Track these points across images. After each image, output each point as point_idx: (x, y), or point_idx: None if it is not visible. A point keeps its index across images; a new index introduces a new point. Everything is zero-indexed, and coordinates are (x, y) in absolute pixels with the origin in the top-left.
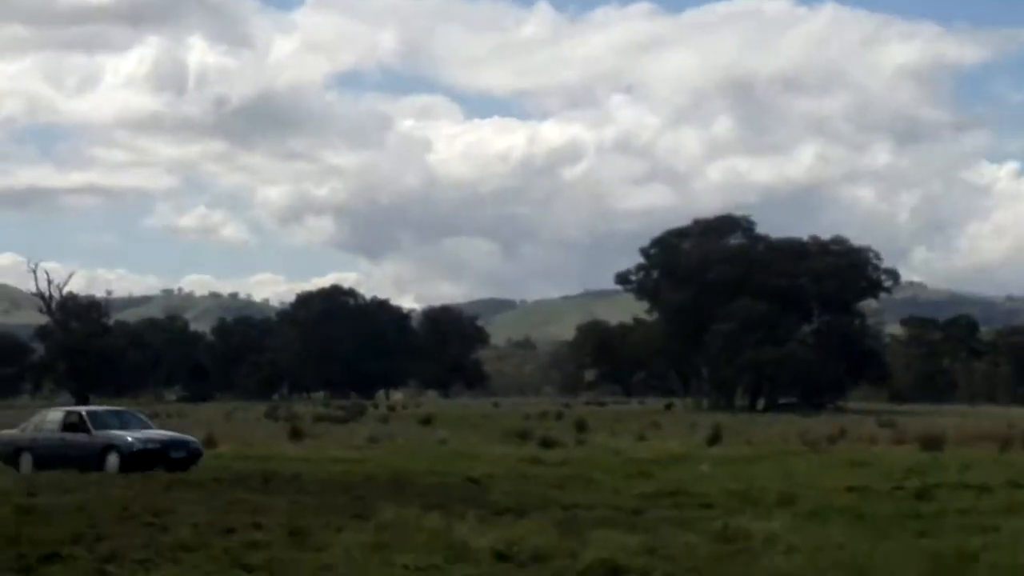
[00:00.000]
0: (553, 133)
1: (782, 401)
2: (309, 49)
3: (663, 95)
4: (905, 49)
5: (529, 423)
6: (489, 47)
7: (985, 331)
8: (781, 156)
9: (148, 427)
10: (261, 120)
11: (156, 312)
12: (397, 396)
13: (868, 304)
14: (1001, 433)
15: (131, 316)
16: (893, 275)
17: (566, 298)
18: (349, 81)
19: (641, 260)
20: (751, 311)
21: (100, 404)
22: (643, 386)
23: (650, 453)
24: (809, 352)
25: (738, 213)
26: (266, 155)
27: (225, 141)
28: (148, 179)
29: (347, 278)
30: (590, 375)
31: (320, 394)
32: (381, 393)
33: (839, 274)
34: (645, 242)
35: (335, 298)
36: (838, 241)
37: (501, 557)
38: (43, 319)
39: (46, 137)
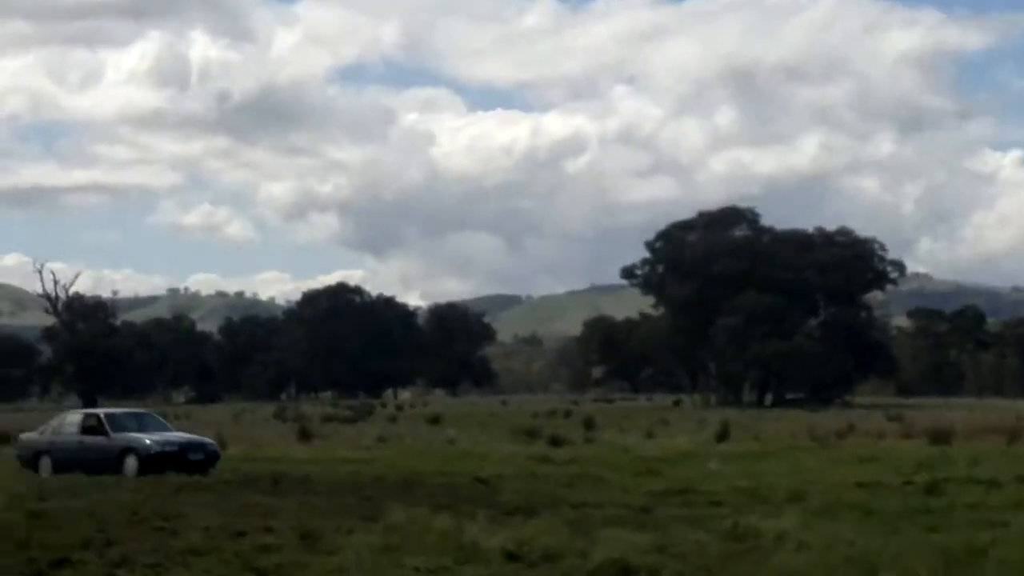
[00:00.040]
0: (556, 125)
1: (790, 396)
2: (311, 42)
3: (666, 85)
4: (907, 36)
5: (537, 421)
6: (491, 38)
7: (991, 322)
8: (784, 146)
9: (167, 429)
10: (264, 115)
11: (162, 312)
12: (405, 395)
13: (874, 296)
14: (1009, 426)
15: (137, 316)
16: (899, 266)
17: (572, 293)
18: (351, 75)
19: (646, 254)
20: (757, 304)
21: (108, 406)
22: (651, 382)
23: (659, 451)
24: (816, 346)
25: (742, 205)
26: (269, 150)
27: (228, 137)
28: (151, 176)
29: (353, 275)
30: (598, 372)
31: (328, 394)
32: (389, 392)
33: (844, 266)
34: (650, 235)
35: (341, 296)
36: (843, 232)
37: (511, 557)
38: (49, 320)
39: (49, 134)
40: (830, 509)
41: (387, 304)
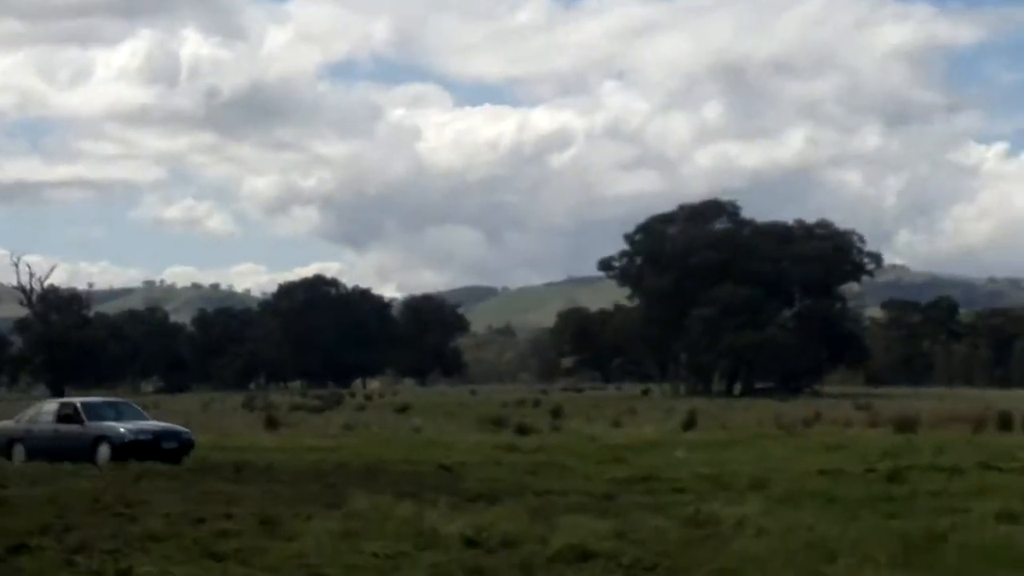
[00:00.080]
0: (543, 120)
1: (759, 386)
2: (302, 39)
3: (655, 80)
4: (899, 30)
5: (505, 410)
6: (482, 34)
7: (965, 313)
8: (770, 140)
9: (143, 418)
10: (251, 111)
11: (137, 304)
12: (374, 385)
13: (850, 287)
14: (976, 415)
15: (112, 308)
16: (876, 258)
17: (549, 285)
18: (341, 71)
19: (625, 246)
20: (733, 296)
21: (74, 395)
22: (621, 372)
23: (625, 439)
24: (789, 336)
25: (725, 198)
26: (255, 146)
27: (214, 132)
28: (136, 171)
29: (330, 268)
30: (568, 362)
31: (297, 383)
32: (358, 382)
33: (823, 258)
34: (631, 228)
35: (317, 288)
36: (823, 225)
37: (470, 543)
38: (23, 312)
39: (36, 131)
40: (792, 496)
41: (363, 296)
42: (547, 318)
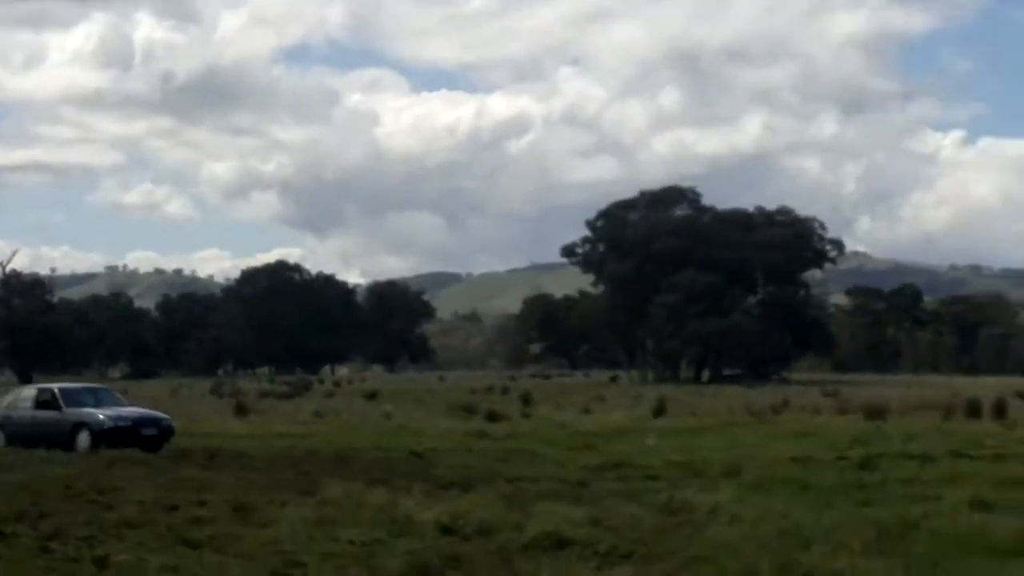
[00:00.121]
0: (500, 106)
1: (727, 373)
2: (256, 23)
3: (610, 67)
4: (851, 18)
5: (475, 397)
6: (436, 19)
7: (929, 300)
8: (727, 127)
9: (121, 405)
10: (207, 95)
11: (100, 289)
12: (342, 371)
13: (813, 275)
14: (944, 402)
15: (75, 293)
16: (838, 245)
17: (513, 271)
18: (296, 55)
19: (587, 233)
20: (695, 282)
21: (42, 382)
22: (588, 359)
23: (595, 426)
24: (753, 323)
25: (684, 184)
26: (212, 130)
27: (171, 117)
28: (93, 155)
29: (292, 253)
30: (536, 348)
31: (265, 370)
32: (326, 368)
33: (785, 245)
34: (592, 214)
35: (280, 274)
36: (783, 212)
37: (446, 531)
38: None
39: None
40: (765, 484)
41: (327, 282)
42: (512, 304)
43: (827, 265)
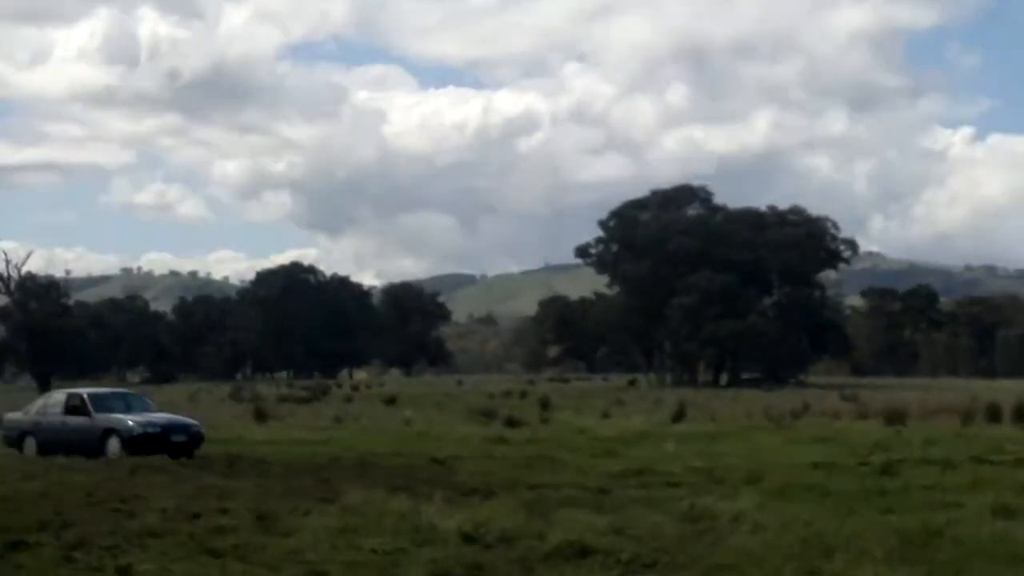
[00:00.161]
0: (508, 103)
1: (745, 376)
2: (260, 19)
3: (616, 63)
4: (857, 13)
5: (493, 402)
6: (440, 16)
7: (944, 301)
8: (736, 124)
9: (150, 410)
10: (215, 93)
11: (115, 291)
12: (360, 375)
13: (827, 275)
14: (963, 406)
15: (90, 296)
16: (852, 245)
17: (527, 272)
18: (302, 52)
19: (600, 233)
20: (711, 283)
21: (61, 387)
22: (606, 361)
23: (615, 431)
24: (770, 325)
25: (695, 183)
26: (221, 128)
27: (179, 115)
28: (103, 154)
29: (307, 255)
30: (553, 351)
31: (283, 374)
32: (344, 372)
33: (798, 245)
34: (604, 214)
35: (295, 275)
36: (796, 211)
37: (468, 539)
38: (1, 300)
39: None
40: (786, 490)
41: (341, 284)
42: (527, 306)
43: (841, 266)
